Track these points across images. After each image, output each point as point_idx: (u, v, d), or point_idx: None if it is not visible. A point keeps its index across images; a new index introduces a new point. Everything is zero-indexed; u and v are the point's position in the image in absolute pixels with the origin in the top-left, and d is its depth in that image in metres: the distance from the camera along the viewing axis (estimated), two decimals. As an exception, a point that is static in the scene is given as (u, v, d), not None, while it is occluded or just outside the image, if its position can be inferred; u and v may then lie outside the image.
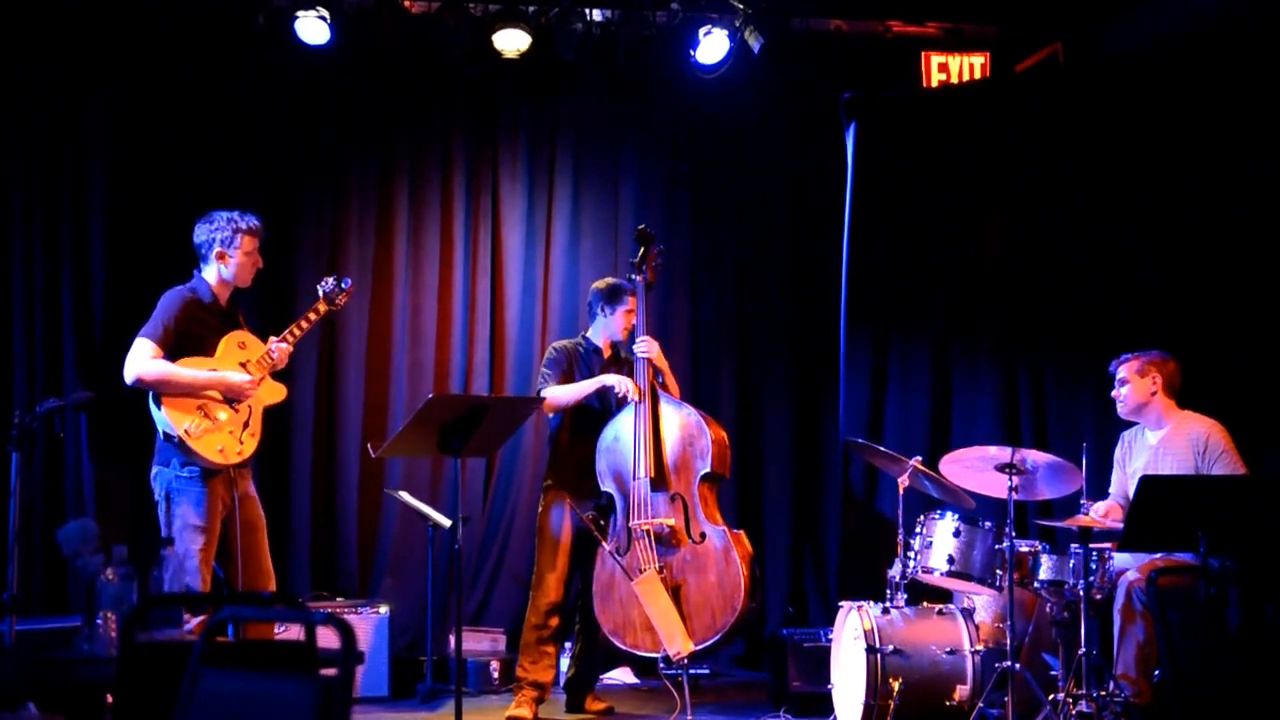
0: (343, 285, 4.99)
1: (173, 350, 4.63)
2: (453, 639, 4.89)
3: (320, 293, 4.96)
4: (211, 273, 4.81)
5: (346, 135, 7.00)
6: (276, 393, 4.88)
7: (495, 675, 6.25)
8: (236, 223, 4.82)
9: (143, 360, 4.58)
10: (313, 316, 4.93)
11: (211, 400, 4.65)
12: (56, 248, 6.48)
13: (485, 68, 6.79)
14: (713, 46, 6.66)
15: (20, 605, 3.98)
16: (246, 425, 4.71)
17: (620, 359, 5.68)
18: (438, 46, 6.68)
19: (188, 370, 4.63)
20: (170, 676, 2.36)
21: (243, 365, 4.74)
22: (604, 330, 5.67)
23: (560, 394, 5.49)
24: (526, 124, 7.17)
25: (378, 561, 6.85)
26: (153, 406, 4.62)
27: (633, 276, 5.61)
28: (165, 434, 4.60)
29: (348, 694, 2.18)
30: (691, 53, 6.71)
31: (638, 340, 5.54)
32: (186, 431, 4.55)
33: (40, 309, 6.43)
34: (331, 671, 2.20)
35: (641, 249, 5.61)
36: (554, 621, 5.49)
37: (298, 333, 4.88)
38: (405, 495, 6.28)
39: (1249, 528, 4.43)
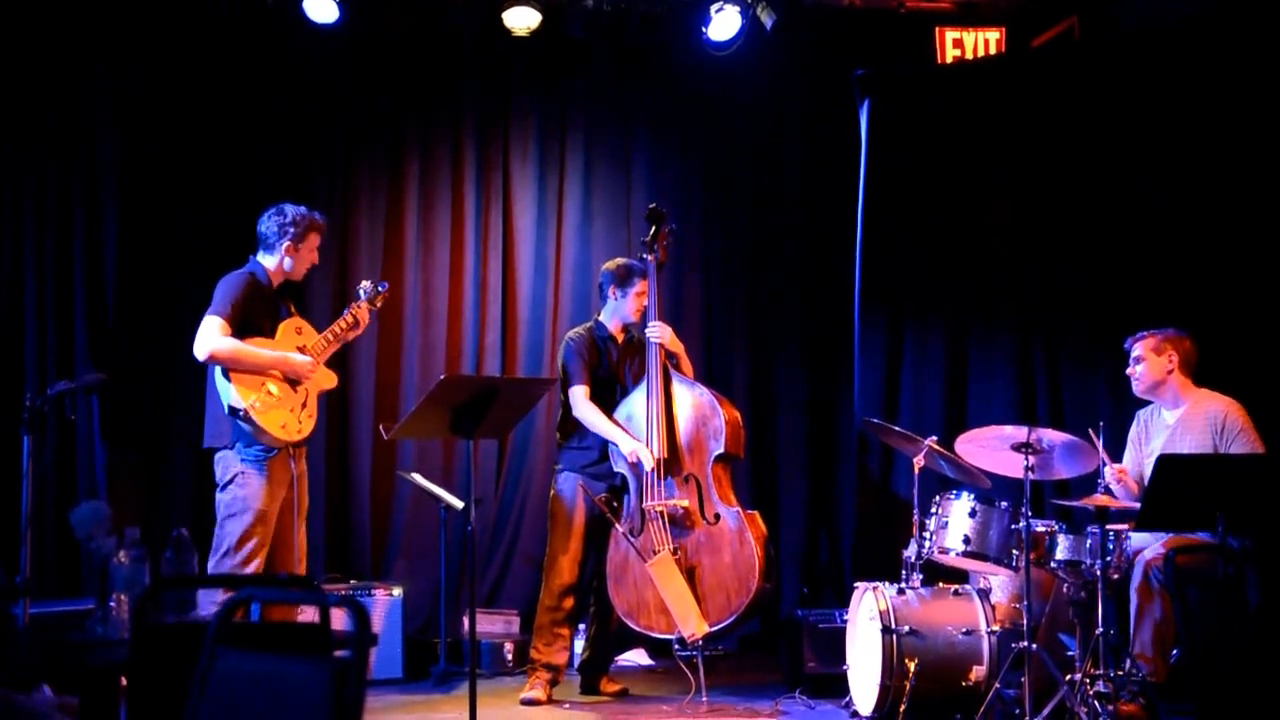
0: (380, 288, 5.09)
1: (236, 331, 4.70)
2: (466, 621, 4.88)
3: (361, 295, 5.04)
4: (272, 261, 4.90)
5: (356, 115, 6.96)
6: (329, 379, 5.00)
7: (509, 657, 6.25)
8: (310, 218, 4.94)
9: (214, 336, 4.64)
10: (349, 319, 4.97)
11: (274, 379, 4.73)
12: (69, 231, 6.45)
13: (495, 45, 6.76)
14: (724, 23, 6.62)
15: (33, 588, 3.98)
16: (304, 405, 4.81)
17: (632, 342, 5.64)
18: (448, 25, 6.64)
19: (256, 349, 4.71)
20: (184, 658, 2.35)
21: (300, 350, 4.84)
22: (615, 313, 5.62)
23: (588, 417, 5.43)
24: (537, 102, 7.12)
25: (390, 543, 6.85)
26: (221, 379, 4.68)
27: (644, 256, 5.56)
28: (231, 407, 4.65)
29: (361, 676, 2.17)
30: (703, 30, 6.66)
31: (650, 325, 5.49)
32: (253, 405, 4.62)
33: (52, 292, 6.41)
34: (345, 653, 2.19)
35: (653, 228, 5.56)
36: (568, 603, 5.48)
37: (338, 331, 4.93)
38: (417, 477, 6.27)
39: (1267, 507, 4.39)
